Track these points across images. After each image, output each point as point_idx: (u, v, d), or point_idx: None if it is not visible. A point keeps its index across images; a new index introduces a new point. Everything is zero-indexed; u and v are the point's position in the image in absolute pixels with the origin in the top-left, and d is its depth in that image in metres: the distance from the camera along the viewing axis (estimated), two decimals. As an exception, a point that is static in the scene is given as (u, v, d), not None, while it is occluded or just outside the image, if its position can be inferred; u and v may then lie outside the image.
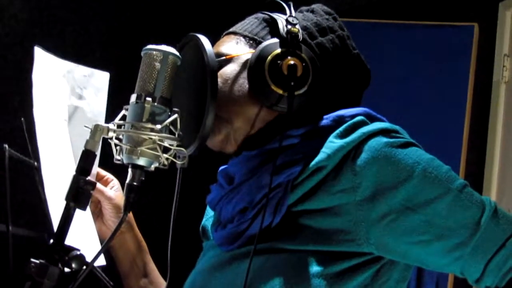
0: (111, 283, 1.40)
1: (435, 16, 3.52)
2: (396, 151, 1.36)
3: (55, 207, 1.44)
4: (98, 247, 1.57)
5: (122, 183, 1.44)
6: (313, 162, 1.38)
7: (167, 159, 1.30)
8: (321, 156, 1.38)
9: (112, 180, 1.65)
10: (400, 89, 3.40)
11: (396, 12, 3.57)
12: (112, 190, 1.63)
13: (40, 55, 1.54)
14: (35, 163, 1.51)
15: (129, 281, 1.65)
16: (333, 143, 1.39)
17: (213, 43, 1.46)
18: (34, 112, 1.47)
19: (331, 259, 1.34)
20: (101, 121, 1.62)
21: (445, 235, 1.33)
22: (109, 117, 1.33)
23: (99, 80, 1.66)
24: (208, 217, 1.64)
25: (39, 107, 1.49)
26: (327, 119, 1.45)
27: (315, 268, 1.33)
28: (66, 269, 1.23)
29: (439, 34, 3.46)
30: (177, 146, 1.30)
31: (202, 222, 1.65)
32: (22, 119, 1.50)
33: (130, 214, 1.63)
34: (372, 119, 1.46)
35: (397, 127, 1.42)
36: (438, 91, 3.41)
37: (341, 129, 1.41)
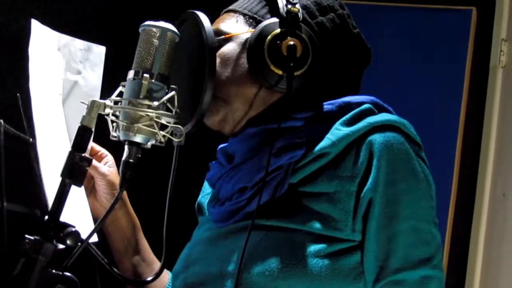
0: (106, 260, 1.39)
1: (433, -1, 3.51)
2: (413, 157, 1.38)
3: (49, 182, 1.43)
4: (91, 223, 1.56)
5: (117, 161, 1.43)
6: (317, 148, 1.39)
7: (164, 136, 1.29)
8: (325, 142, 1.39)
9: (107, 155, 1.63)
10: (396, 72, 3.38)
11: (394, -5, 3.56)
12: (106, 166, 1.61)
13: (36, 28, 1.53)
14: (31, 140, 1.50)
15: (121, 258, 1.64)
16: (339, 130, 1.40)
17: (212, 20, 1.45)
18: (29, 86, 1.46)
19: (326, 240, 1.35)
20: (97, 95, 1.61)
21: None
22: (106, 95, 1.32)
23: (95, 54, 1.65)
24: (205, 194, 1.64)
25: (35, 81, 1.48)
26: (332, 104, 1.45)
27: (311, 248, 1.33)
28: (61, 246, 1.23)
29: (436, 17, 3.45)
30: (174, 123, 1.30)
31: (198, 199, 1.66)
32: (18, 95, 1.49)
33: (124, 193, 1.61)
34: (379, 108, 1.46)
35: (404, 121, 1.42)
36: (435, 75, 3.40)
37: (347, 116, 1.42)
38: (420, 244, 1.35)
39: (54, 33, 1.58)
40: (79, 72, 1.61)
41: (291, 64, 1.40)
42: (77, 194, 1.49)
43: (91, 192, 1.61)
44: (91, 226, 1.54)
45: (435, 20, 3.44)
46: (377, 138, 1.37)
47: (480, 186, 3.39)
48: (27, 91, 1.46)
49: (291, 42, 1.40)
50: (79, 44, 1.62)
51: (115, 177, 1.60)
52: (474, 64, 3.43)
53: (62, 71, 1.58)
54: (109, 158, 1.63)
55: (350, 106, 1.44)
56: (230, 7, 1.52)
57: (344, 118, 1.42)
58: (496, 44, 3.47)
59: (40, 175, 1.43)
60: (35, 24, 1.52)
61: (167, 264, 1.49)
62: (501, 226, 3.32)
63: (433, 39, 3.43)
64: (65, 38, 1.60)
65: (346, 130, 1.39)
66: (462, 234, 3.37)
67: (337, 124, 1.41)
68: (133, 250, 1.64)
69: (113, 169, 1.62)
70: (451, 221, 3.32)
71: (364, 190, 1.36)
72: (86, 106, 1.26)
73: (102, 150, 1.63)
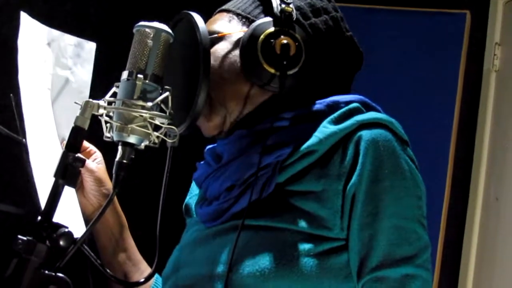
0: (99, 261, 1.39)
1: (427, 2, 3.51)
2: (399, 155, 1.37)
3: (39, 178, 1.42)
4: (80, 218, 1.55)
5: (110, 162, 1.42)
6: (304, 145, 1.38)
7: (157, 137, 1.29)
8: (313, 140, 1.38)
9: (95, 152, 1.62)
10: (390, 75, 3.39)
11: (388, -2, 3.57)
12: (94, 163, 1.60)
13: (25, 21, 1.52)
14: (24, 140, 1.49)
15: (107, 255, 1.63)
16: (326, 128, 1.40)
17: (205, 20, 1.45)
18: (19, 79, 1.44)
19: (315, 239, 1.34)
20: (86, 91, 1.61)
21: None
22: (99, 95, 1.32)
23: (85, 50, 1.63)
24: (192, 195, 1.64)
25: (24, 74, 1.46)
26: (321, 103, 1.45)
27: (301, 247, 1.33)
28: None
29: (430, 21, 3.46)
30: (168, 124, 1.30)
31: (186, 200, 1.66)
32: (11, 95, 1.48)
33: (111, 188, 1.60)
34: (367, 107, 1.46)
35: (392, 119, 1.41)
36: (429, 78, 3.41)
37: (335, 114, 1.42)
38: (402, 242, 1.34)
39: (43, 27, 1.56)
40: (68, 68, 1.60)
41: (284, 63, 1.39)
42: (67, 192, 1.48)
43: (78, 188, 1.60)
44: (80, 221, 1.53)
45: (429, 24, 3.45)
46: (363, 135, 1.37)
47: (473, 190, 3.40)
48: (16, 84, 1.45)
49: (285, 41, 1.40)
50: (69, 39, 1.61)
51: (103, 174, 1.59)
52: (468, 67, 3.44)
53: (51, 66, 1.57)
54: (98, 154, 1.62)
55: (338, 105, 1.44)
56: (224, 7, 1.52)
57: (331, 117, 1.41)
58: (489, 48, 3.48)
59: (30, 171, 1.41)
60: (24, 17, 1.51)
61: (158, 264, 1.48)
62: (494, 230, 3.33)
63: (426, 42, 3.44)
64: (55, 33, 1.58)
65: (334, 128, 1.39)
66: (455, 238, 3.37)
67: (324, 122, 1.41)
68: (119, 248, 1.64)
69: (102, 165, 1.61)
70: (444, 224, 3.32)
71: (348, 186, 1.35)
72: (80, 106, 1.26)
73: (91, 147, 1.62)
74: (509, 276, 3.23)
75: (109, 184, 1.58)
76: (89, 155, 1.61)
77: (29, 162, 1.41)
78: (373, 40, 3.27)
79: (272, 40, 1.40)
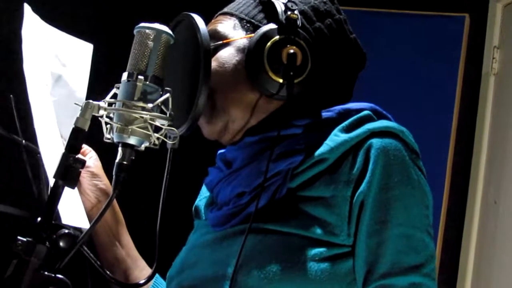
0: (98, 262, 1.39)
1: (425, 5, 3.51)
2: (409, 164, 1.37)
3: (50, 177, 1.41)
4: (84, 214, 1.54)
5: (111, 164, 1.42)
6: (315, 154, 1.38)
7: (158, 138, 1.29)
8: (324, 148, 1.38)
9: (90, 151, 1.62)
10: (389, 79, 3.39)
11: (387, 1, 3.56)
12: (90, 160, 1.60)
13: (28, 14, 1.51)
14: (23, 141, 1.48)
15: (106, 253, 1.62)
16: (337, 136, 1.39)
17: (206, 22, 1.44)
18: (24, 69, 1.43)
19: (322, 245, 1.34)
20: (81, 92, 1.60)
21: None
22: (99, 97, 1.31)
23: (82, 51, 1.63)
24: (202, 197, 1.63)
25: (28, 64, 1.45)
26: (332, 111, 1.45)
27: (307, 252, 1.33)
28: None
29: (429, 24, 3.46)
30: (168, 125, 1.29)
31: (196, 202, 1.65)
32: (11, 96, 1.48)
33: (109, 186, 1.59)
34: (378, 115, 1.46)
35: (403, 129, 1.41)
36: (428, 81, 3.41)
37: (346, 122, 1.41)
38: (410, 250, 1.34)
39: (43, 24, 1.56)
40: (65, 66, 1.60)
41: (291, 72, 1.38)
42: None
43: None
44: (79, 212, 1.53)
45: (428, 27, 3.45)
46: (374, 143, 1.37)
47: (472, 193, 3.40)
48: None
49: (291, 50, 1.39)
50: (66, 38, 1.61)
51: (99, 170, 1.60)
52: (467, 71, 3.45)
53: (50, 62, 1.56)
54: (92, 154, 1.62)
55: (349, 113, 1.43)
56: (226, 10, 1.50)
57: (343, 125, 1.41)
58: (488, 51, 3.48)
59: (43, 165, 1.40)
60: (27, 10, 1.51)
61: (161, 265, 1.48)
62: (492, 233, 3.33)
63: (425, 45, 3.44)
64: (53, 31, 1.58)
65: (345, 136, 1.39)
66: (453, 241, 3.38)
67: (335, 131, 1.40)
68: (117, 245, 1.63)
69: (98, 163, 1.61)
70: (443, 227, 3.32)
71: (357, 193, 1.35)
72: (80, 107, 1.25)
73: (85, 147, 1.62)
74: (508, 279, 3.23)
75: (105, 179, 1.59)
76: (83, 154, 1.61)
77: (41, 160, 1.40)
78: (371, 43, 3.27)
79: (278, 49, 1.39)
